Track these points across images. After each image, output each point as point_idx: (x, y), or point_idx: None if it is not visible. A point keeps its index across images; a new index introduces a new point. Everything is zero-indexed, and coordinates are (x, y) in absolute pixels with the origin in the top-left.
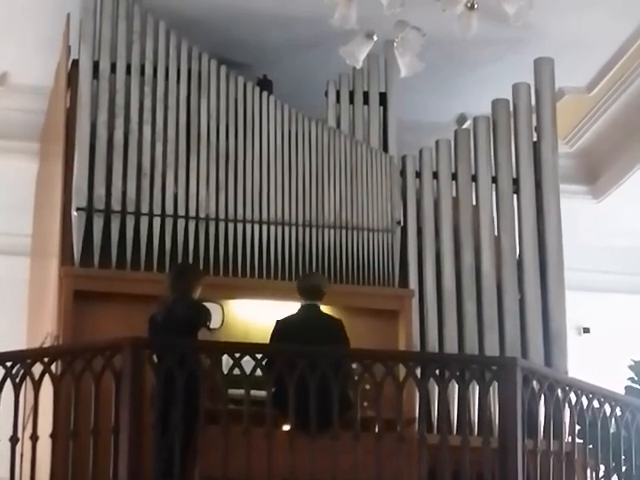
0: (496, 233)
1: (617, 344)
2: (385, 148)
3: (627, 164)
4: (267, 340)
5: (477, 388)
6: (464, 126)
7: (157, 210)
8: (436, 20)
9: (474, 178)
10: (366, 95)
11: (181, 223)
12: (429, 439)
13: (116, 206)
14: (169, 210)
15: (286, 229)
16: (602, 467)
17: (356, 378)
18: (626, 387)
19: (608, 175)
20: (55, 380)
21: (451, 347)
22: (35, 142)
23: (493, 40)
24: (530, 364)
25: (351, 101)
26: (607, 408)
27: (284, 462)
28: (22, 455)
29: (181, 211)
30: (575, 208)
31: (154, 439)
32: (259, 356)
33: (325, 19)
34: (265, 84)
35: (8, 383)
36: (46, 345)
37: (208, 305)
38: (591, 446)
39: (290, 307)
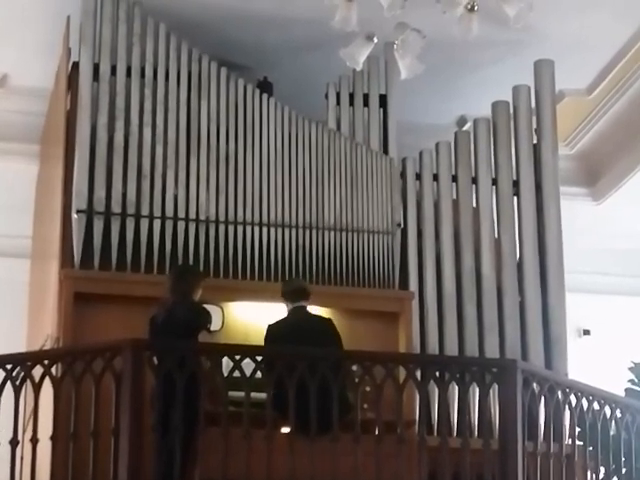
0: (496, 235)
1: (617, 346)
2: (385, 150)
3: (627, 166)
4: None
5: (477, 390)
6: (464, 128)
7: (157, 212)
8: (436, 22)
9: (474, 180)
10: (366, 97)
11: (181, 225)
12: (429, 441)
13: (116, 208)
14: (169, 212)
15: (286, 231)
16: (602, 469)
17: (356, 380)
18: (626, 389)
19: (608, 177)
20: (55, 382)
21: (451, 349)
22: (35, 144)
23: (493, 42)
24: (530, 366)
25: (351, 103)
26: (607, 410)
27: (284, 464)
28: (22, 458)
29: (181, 213)
30: (575, 210)
31: (154, 441)
32: (259, 358)
33: (325, 21)
34: (265, 86)
35: (8, 385)
36: (46, 347)
37: (208, 307)
38: (591, 448)
39: None
